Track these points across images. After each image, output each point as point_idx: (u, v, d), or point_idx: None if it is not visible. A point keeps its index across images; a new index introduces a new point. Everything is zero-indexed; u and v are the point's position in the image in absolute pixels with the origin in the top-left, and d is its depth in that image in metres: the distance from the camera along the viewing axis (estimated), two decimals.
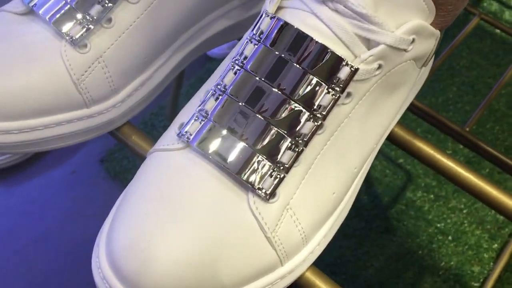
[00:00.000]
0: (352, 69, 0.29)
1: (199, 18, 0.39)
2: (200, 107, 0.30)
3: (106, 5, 0.34)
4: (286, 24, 0.30)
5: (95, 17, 0.34)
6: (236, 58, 0.31)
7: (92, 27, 0.34)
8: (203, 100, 0.31)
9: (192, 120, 0.30)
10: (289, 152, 0.29)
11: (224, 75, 0.31)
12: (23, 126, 0.33)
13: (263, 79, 0.29)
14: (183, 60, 0.40)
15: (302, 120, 0.29)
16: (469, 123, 0.49)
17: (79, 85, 0.34)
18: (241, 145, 0.29)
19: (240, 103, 0.29)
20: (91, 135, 0.36)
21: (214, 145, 0.29)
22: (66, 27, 0.34)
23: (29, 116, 0.33)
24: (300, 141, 0.29)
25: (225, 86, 0.30)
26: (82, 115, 0.35)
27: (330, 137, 0.30)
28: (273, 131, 0.29)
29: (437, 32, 0.32)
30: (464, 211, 0.72)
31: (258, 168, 0.29)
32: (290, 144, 0.29)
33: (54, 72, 0.33)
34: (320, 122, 0.29)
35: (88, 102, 0.35)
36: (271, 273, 0.30)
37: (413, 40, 0.30)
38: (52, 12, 0.34)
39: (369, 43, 0.30)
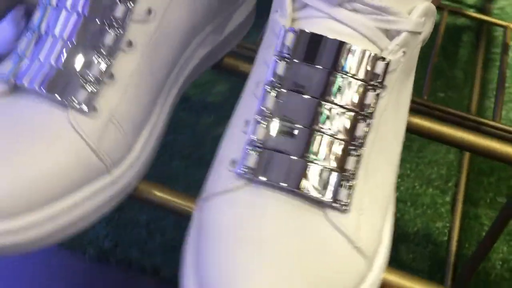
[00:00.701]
0: (385, 62, 0.30)
1: (185, 49, 0.37)
2: (250, 138, 0.29)
3: (108, 62, 0.31)
4: (314, 35, 0.30)
5: (98, 77, 0.31)
6: (271, 80, 0.30)
7: (97, 89, 0.31)
8: (249, 130, 0.30)
9: (247, 153, 0.29)
10: (352, 158, 0.29)
11: (263, 100, 0.30)
12: (50, 213, 0.30)
13: (310, 95, 0.29)
14: (177, 95, 0.38)
15: (356, 124, 0.29)
16: (424, 92, 0.53)
17: (99, 152, 0.31)
18: (304, 164, 0.29)
19: (294, 124, 0.29)
20: (113, 204, 0.34)
21: (280, 172, 0.28)
22: (67, 94, 0.31)
23: (55, 200, 0.30)
24: (357, 144, 0.29)
25: (270, 111, 0.30)
26: (105, 183, 0.32)
27: (376, 134, 0.31)
28: (334, 142, 0.29)
29: (435, 10, 0.34)
30: (411, 175, 0.77)
31: (329, 181, 0.29)
32: (350, 149, 0.29)
33: (72, 146, 0.30)
34: (368, 121, 0.30)
35: (109, 167, 0.32)
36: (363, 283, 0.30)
37: (424, 22, 0.32)
38: (41, 80, 0.31)
39: (388, 34, 0.31)
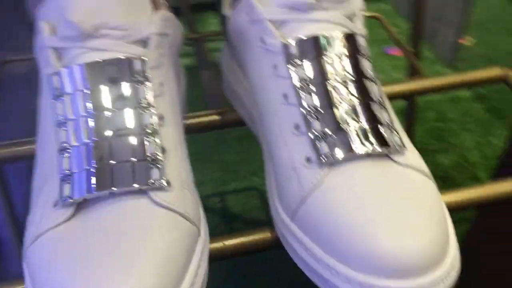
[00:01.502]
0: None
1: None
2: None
3: (157, 139, 0.34)
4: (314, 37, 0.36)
5: (157, 154, 0.34)
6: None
7: (161, 164, 0.33)
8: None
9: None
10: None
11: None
12: None
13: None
14: None
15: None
16: None
17: (190, 218, 0.34)
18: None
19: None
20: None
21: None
22: (142, 180, 0.33)
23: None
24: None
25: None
26: (201, 244, 0.34)
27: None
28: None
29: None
30: None
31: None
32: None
33: (172, 224, 0.32)
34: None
35: (199, 228, 0.35)
36: None
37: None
38: (109, 182, 0.32)
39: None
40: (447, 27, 1.12)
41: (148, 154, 0.33)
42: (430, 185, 0.35)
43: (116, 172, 0.32)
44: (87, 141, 0.33)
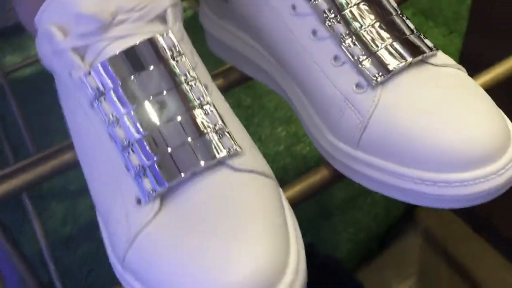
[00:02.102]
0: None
1: None
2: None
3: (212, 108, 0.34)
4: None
5: (220, 122, 0.33)
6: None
7: (224, 132, 0.33)
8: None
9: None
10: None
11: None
12: None
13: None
14: None
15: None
16: None
17: (269, 174, 0.34)
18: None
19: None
20: None
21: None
22: (214, 153, 0.32)
23: None
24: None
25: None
26: (282, 196, 0.35)
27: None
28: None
29: None
30: None
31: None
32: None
33: (260, 184, 0.33)
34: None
35: (276, 182, 0.35)
36: None
37: None
38: (189, 162, 0.31)
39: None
40: None
41: (209, 125, 0.32)
42: (468, 78, 0.37)
43: (176, 157, 0.31)
44: (137, 136, 0.32)
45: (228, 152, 0.32)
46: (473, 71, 0.40)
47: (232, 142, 0.32)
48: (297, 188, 0.39)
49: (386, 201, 0.80)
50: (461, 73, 0.36)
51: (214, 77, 0.47)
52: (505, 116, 0.35)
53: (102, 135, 0.33)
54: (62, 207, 0.87)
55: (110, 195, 0.33)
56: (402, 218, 0.79)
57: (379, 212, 0.79)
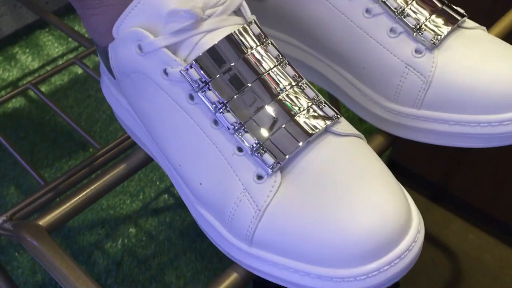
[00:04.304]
0: None
1: None
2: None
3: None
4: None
5: (320, 97, 0.36)
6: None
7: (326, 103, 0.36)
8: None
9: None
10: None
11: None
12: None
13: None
14: None
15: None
16: None
17: (362, 136, 0.37)
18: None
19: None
20: None
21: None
22: (321, 124, 0.35)
23: None
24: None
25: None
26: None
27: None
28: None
29: None
30: None
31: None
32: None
33: (364, 145, 0.36)
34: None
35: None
36: None
37: None
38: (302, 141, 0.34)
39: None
40: None
41: (312, 98, 0.35)
42: (491, 36, 0.43)
43: (302, 122, 0.34)
44: (255, 113, 0.34)
45: (332, 120, 0.35)
46: None
47: (332, 111, 0.35)
48: None
49: None
50: (485, 31, 0.43)
51: None
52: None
53: (205, 125, 0.34)
54: (27, 256, 0.81)
55: (222, 181, 0.34)
56: None
57: None
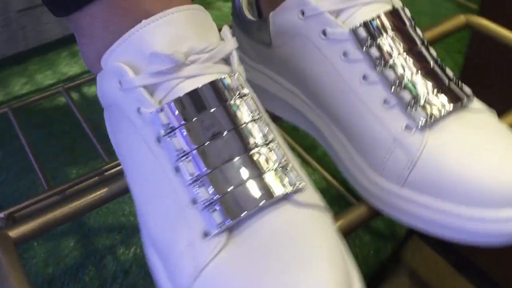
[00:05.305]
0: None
1: None
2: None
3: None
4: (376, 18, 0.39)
5: (287, 161, 0.35)
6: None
7: (294, 168, 0.35)
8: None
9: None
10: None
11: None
12: None
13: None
14: None
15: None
16: None
17: (326, 208, 0.36)
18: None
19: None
20: None
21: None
22: (287, 186, 0.34)
23: None
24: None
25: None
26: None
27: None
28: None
29: None
30: None
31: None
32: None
33: (323, 219, 0.34)
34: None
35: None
36: None
37: None
38: (257, 198, 0.33)
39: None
40: None
41: (277, 161, 0.34)
42: (498, 121, 0.40)
43: (257, 185, 0.33)
44: (208, 170, 0.33)
45: (293, 187, 0.33)
46: None
47: (297, 177, 0.34)
48: (338, 224, 0.40)
49: (375, 243, 0.83)
50: (493, 116, 0.40)
51: None
52: None
53: (167, 170, 0.34)
54: (45, 247, 0.84)
55: (172, 228, 0.34)
56: (389, 259, 0.82)
57: (367, 254, 0.82)
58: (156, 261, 0.36)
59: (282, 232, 0.32)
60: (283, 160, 0.34)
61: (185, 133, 0.34)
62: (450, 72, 0.40)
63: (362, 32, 0.38)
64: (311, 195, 0.34)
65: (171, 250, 0.33)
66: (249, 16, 0.45)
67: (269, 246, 0.31)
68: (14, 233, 0.41)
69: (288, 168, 0.34)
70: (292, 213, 0.33)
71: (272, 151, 0.34)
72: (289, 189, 0.33)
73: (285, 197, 0.33)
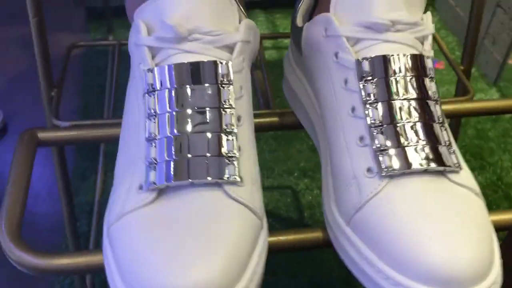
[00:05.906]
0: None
1: None
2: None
3: (235, 138, 0.38)
4: (386, 56, 0.38)
5: (235, 153, 0.37)
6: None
7: (237, 162, 0.37)
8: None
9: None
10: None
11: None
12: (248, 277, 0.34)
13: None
14: None
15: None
16: None
17: (256, 211, 0.37)
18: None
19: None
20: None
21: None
22: (219, 174, 0.36)
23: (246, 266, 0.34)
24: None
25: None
26: (263, 236, 0.38)
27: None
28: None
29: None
30: None
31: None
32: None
33: (241, 216, 0.36)
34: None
35: (262, 221, 0.38)
36: None
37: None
38: (197, 172, 0.36)
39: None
40: (496, 46, 1.13)
41: (225, 151, 0.36)
42: (480, 204, 0.37)
43: (192, 165, 0.36)
44: (169, 134, 0.37)
45: (228, 178, 0.35)
46: None
47: (235, 171, 0.36)
48: (289, 238, 0.41)
49: None
50: (476, 199, 0.37)
51: (270, 114, 0.51)
52: (497, 255, 0.35)
53: (140, 124, 0.38)
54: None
55: (124, 174, 0.38)
56: None
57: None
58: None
59: (199, 213, 0.35)
60: (232, 152, 0.37)
61: (160, 97, 0.38)
62: (448, 137, 0.38)
63: (366, 66, 0.38)
64: (246, 193, 0.37)
65: (116, 190, 0.38)
66: (299, 22, 0.47)
67: (183, 219, 0.35)
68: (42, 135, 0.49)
69: (233, 162, 0.36)
70: (217, 200, 0.36)
71: (227, 141, 0.37)
72: (224, 179, 0.36)
73: (218, 184, 0.36)
